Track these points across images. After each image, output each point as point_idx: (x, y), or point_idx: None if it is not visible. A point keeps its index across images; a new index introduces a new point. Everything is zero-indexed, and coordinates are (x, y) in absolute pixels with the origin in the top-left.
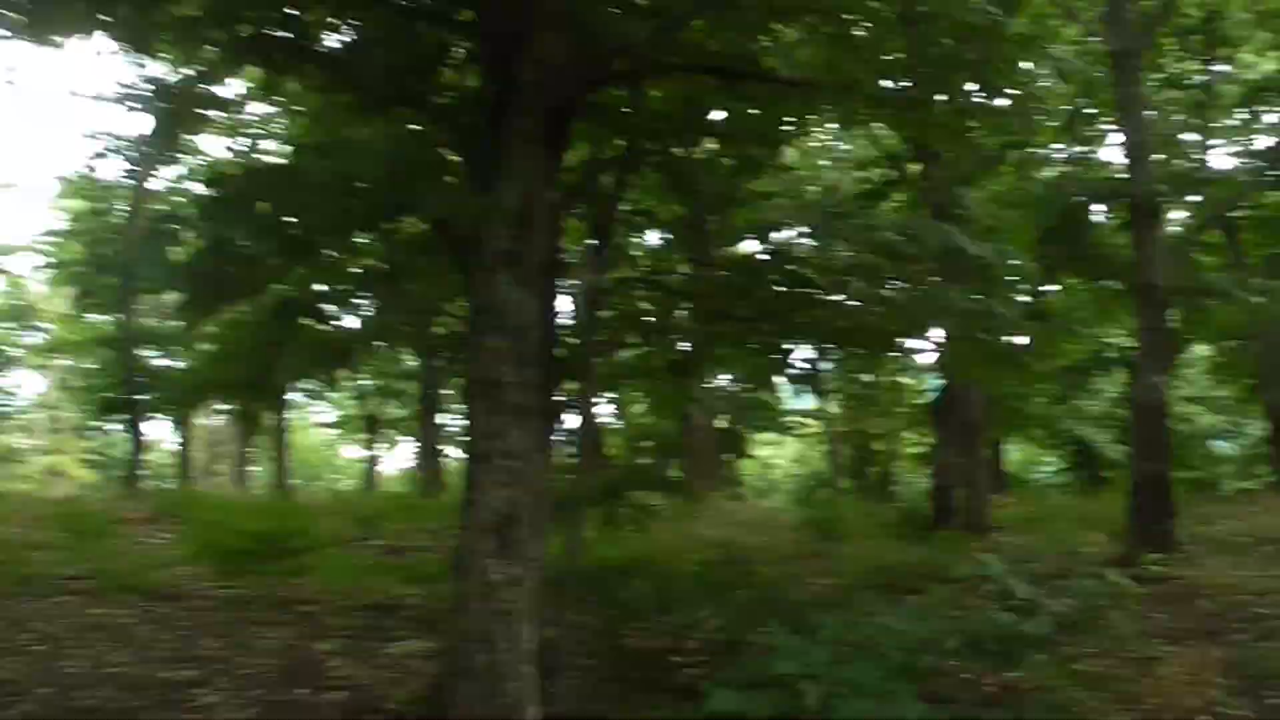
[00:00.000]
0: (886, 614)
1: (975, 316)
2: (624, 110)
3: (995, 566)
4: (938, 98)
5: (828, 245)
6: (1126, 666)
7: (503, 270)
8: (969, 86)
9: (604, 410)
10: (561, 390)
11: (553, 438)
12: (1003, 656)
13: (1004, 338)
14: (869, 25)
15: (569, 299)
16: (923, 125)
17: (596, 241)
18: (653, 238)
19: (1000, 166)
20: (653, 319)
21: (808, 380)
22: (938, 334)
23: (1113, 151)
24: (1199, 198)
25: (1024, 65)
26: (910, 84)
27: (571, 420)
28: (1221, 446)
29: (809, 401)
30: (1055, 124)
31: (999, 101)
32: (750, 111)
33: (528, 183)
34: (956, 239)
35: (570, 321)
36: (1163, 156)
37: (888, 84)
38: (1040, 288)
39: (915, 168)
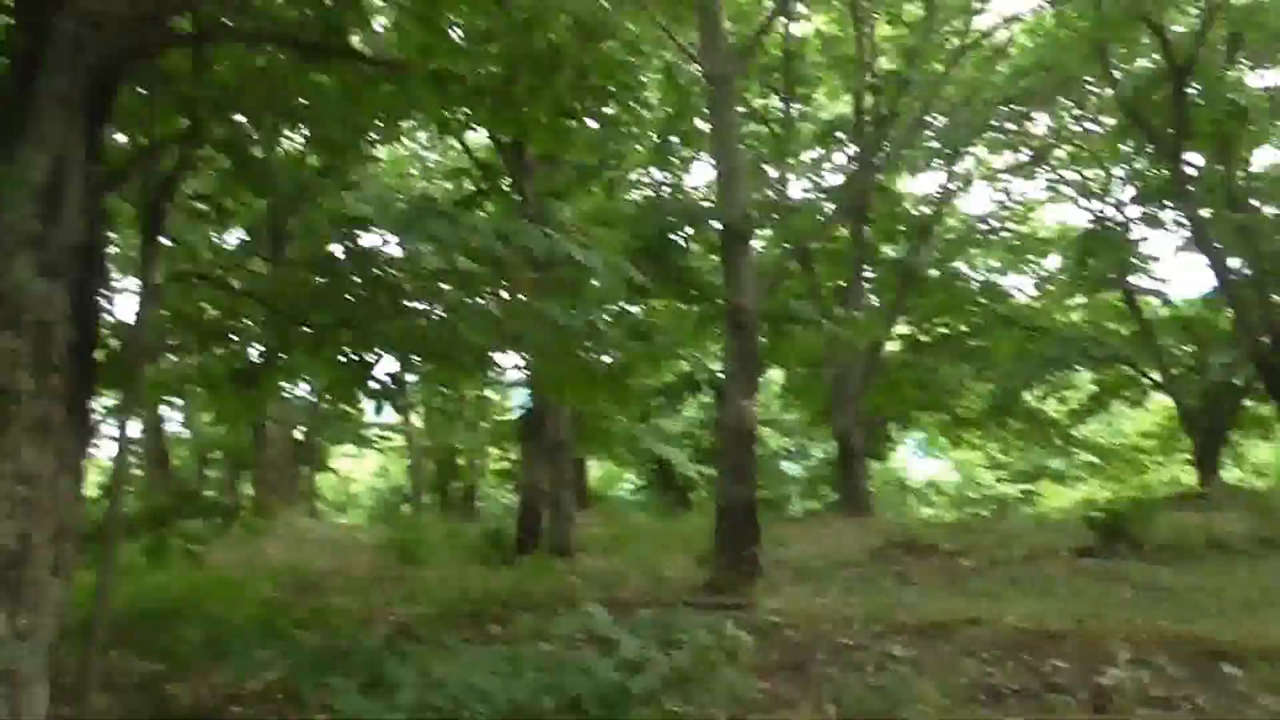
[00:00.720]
0: (474, 665)
1: (573, 331)
2: (187, 81)
3: (599, 616)
4: (538, 94)
5: (417, 249)
6: None
7: (22, 254)
8: (573, 87)
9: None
10: (98, 400)
11: (83, 458)
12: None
13: (600, 355)
14: (465, 8)
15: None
16: (522, 124)
17: (150, 231)
18: (227, 234)
19: (593, 184)
20: (216, 322)
21: (390, 393)
22: (529, 348)
23: (700, 178)
24: (782, 227)
25: (628, 73)
26: (511, 77)
27: (113, 434)
28: (789, 468)
29: (391, 414)
30: (648, 146)
31: (604, 109)
32: (335, 95)
33: (59, 153)
34: (563, 246)
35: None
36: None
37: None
38: (632, 307)
39: (507, 180)
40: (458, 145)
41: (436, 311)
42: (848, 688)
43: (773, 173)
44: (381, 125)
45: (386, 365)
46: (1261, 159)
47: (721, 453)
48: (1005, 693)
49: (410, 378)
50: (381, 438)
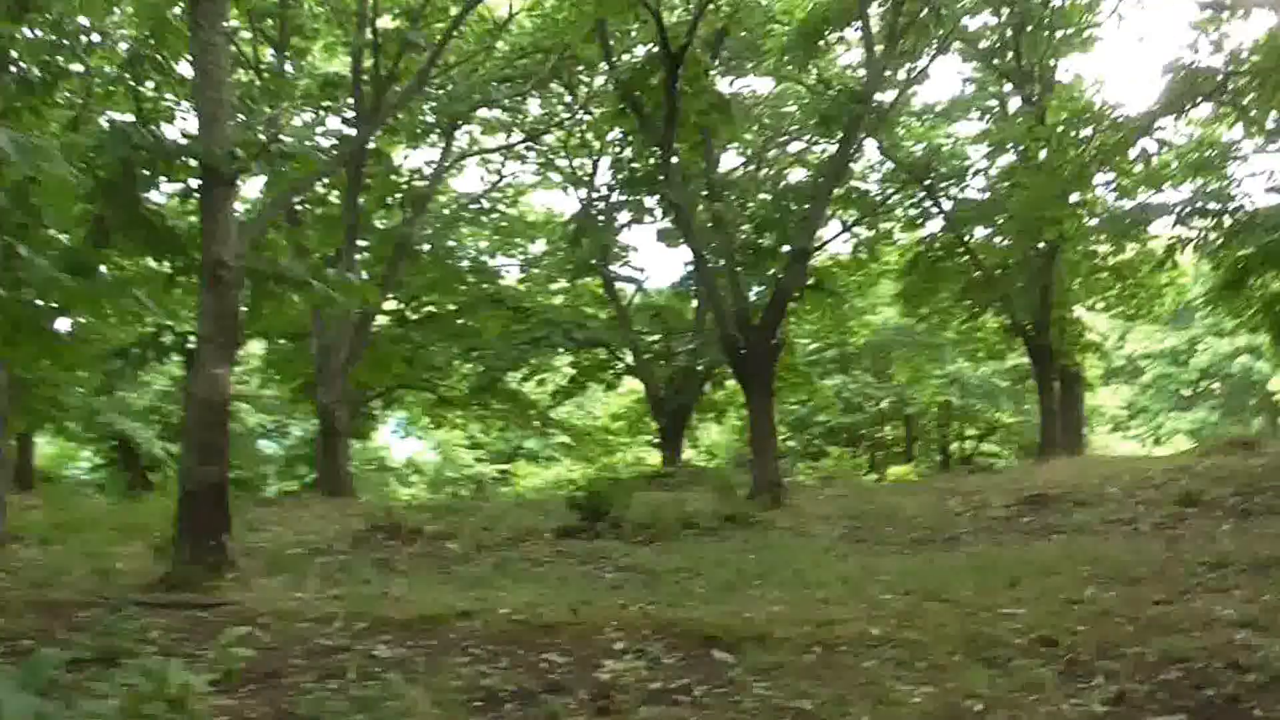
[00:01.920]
0: None
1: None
2: None
3: None
4: None
5: None
6: None
7: None
8: None
9: None
10: None
11: None
12: None
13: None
14: None
15: None
16: None
17: None
18: None
19: (49, 106)
20: None
21: None
22: None
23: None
24: (275, 171)
25: None
26: None
27: None
28: (267, 446)
29: None
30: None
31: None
32: None
33: None
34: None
35: None
36: (238, 121)
37: None
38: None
39: None
40: None
41: None
42: (325, 701)
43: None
44: None
45: None
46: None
47: (189, 427)
48: (503, 695)
49: None
50: None
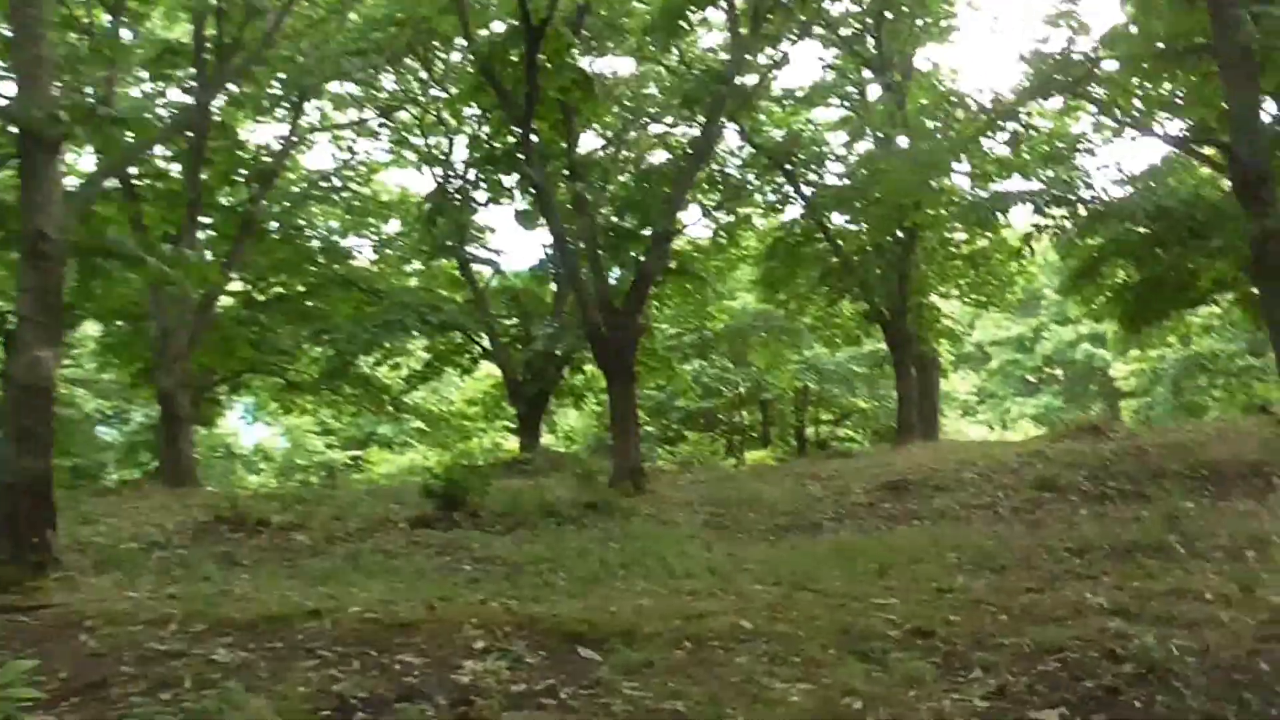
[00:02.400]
0: None
1: None
2: None
3: None
4: None
5: None
6: None
7: None
8: None
9: None
10: None
11: None
12: None
13: None
14: None
15: None
16: None
17: None
18: None
19: None
20: None
21: None
22: None
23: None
24: (106, 139)
25: None
26: None
27: None
28: (106, 433)
29: None
30: None
31: None
32: None
33: None
34: None
35: None
36: (63, 83)
37: None
38: None
39: None
40: None
41: None
42: (157, 715)
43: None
44: None
45: None
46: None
47: (9, 415)
48: (354, 702)
49: None
50: None
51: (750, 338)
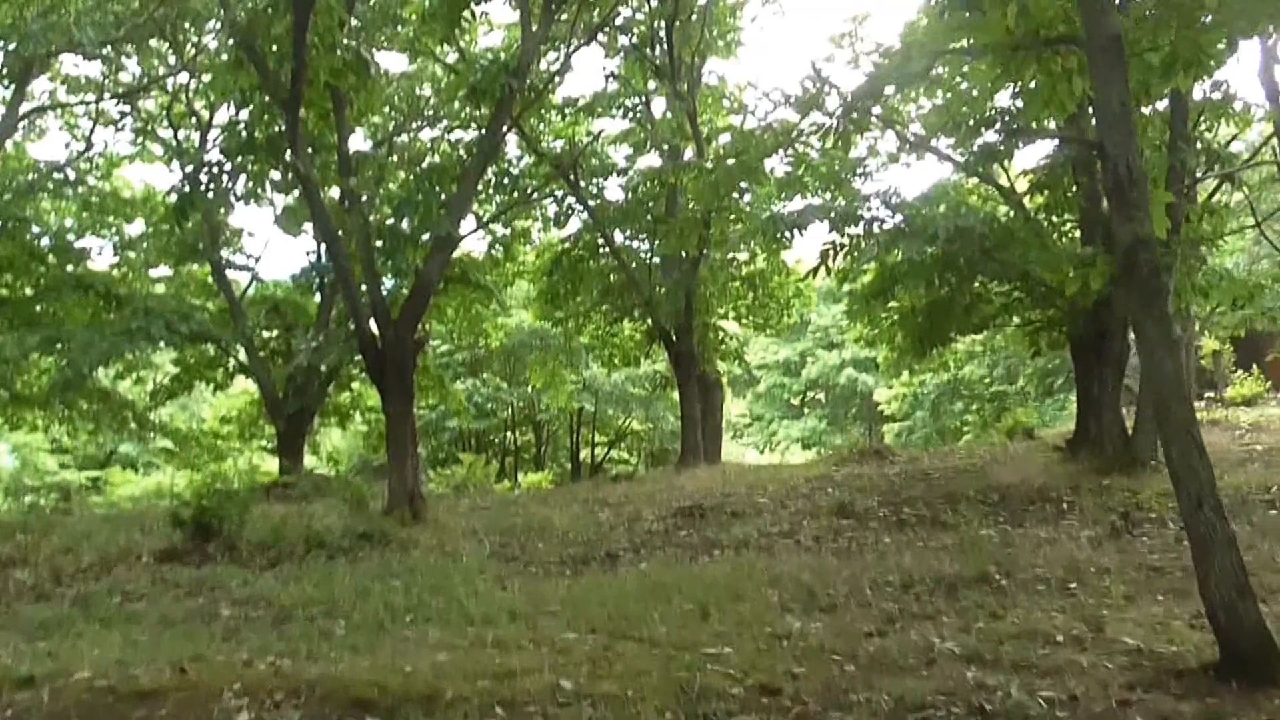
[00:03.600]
0: None
1: None
2: None
3: None
4: None
5: None
6: None
7: None
8: None
9: None
10: None
11: None
12: None
13: None
14: None
15: None
16: None
17: None
18: None
19: None
20: None
21: None
22: None
23: None
24: None
25: None
26: None
27: None
28: None
29: None
30: None
31: None
32: None
33: None
34: None
35: None
36: None
37: None
38: None
39: None
40: None
41: None
42: None
43: None
44: None
45: None
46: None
47: None
48: None
49: None
50: None
51: (527, 356)
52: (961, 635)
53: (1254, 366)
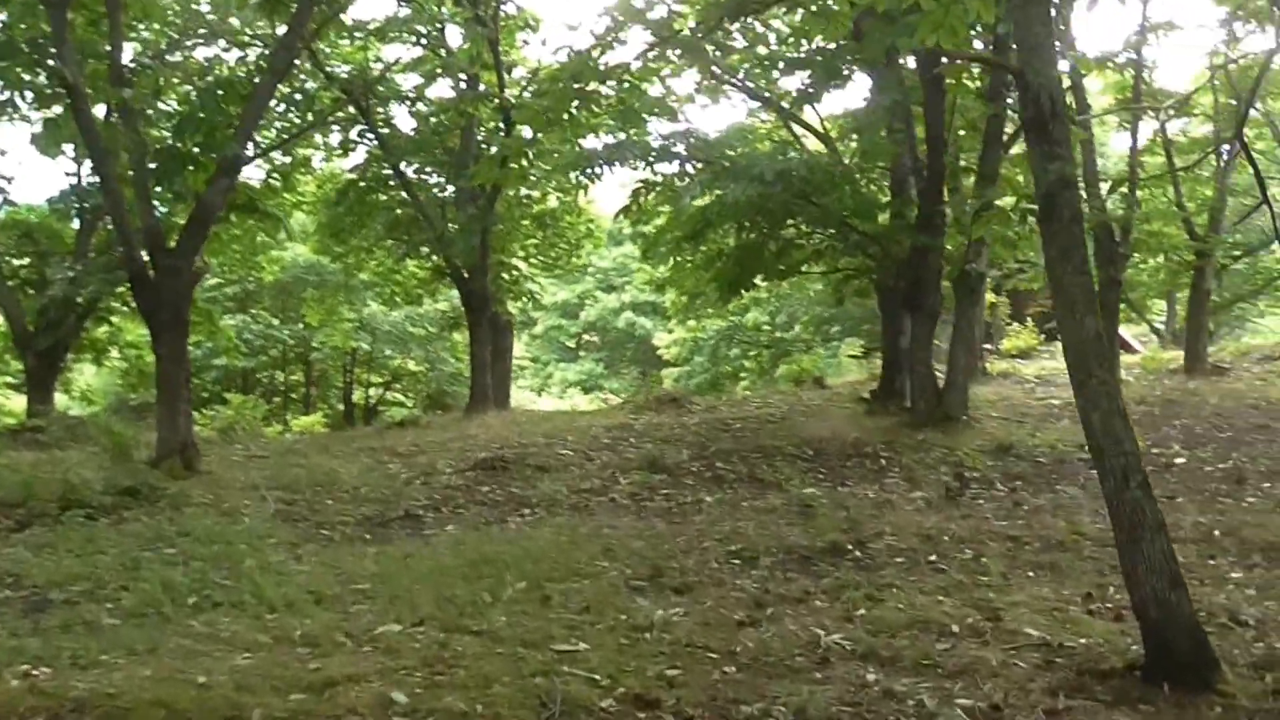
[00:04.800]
0: None
1: None
2: None
3: None
4: None
5: None
6: None
7: None
8: None
9: None
10: None
11: None
12: None
13: None
14: None
15: None
16: None
17: None
18: None
19: None
20: None
21: None
22: None
23: None
24: None
25: None
26: None
27: None
28: None
29: None
30: None
31: None
32: None
33: None
34: None
35: None
36: None
37: None
38: None
39: None
40: None
41: None
42: None
43: None
44: None
45: None
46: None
47: None
48: None
49: None
50: None
51: (302, 292)
52: (846, 625)
53: (1027, 320)
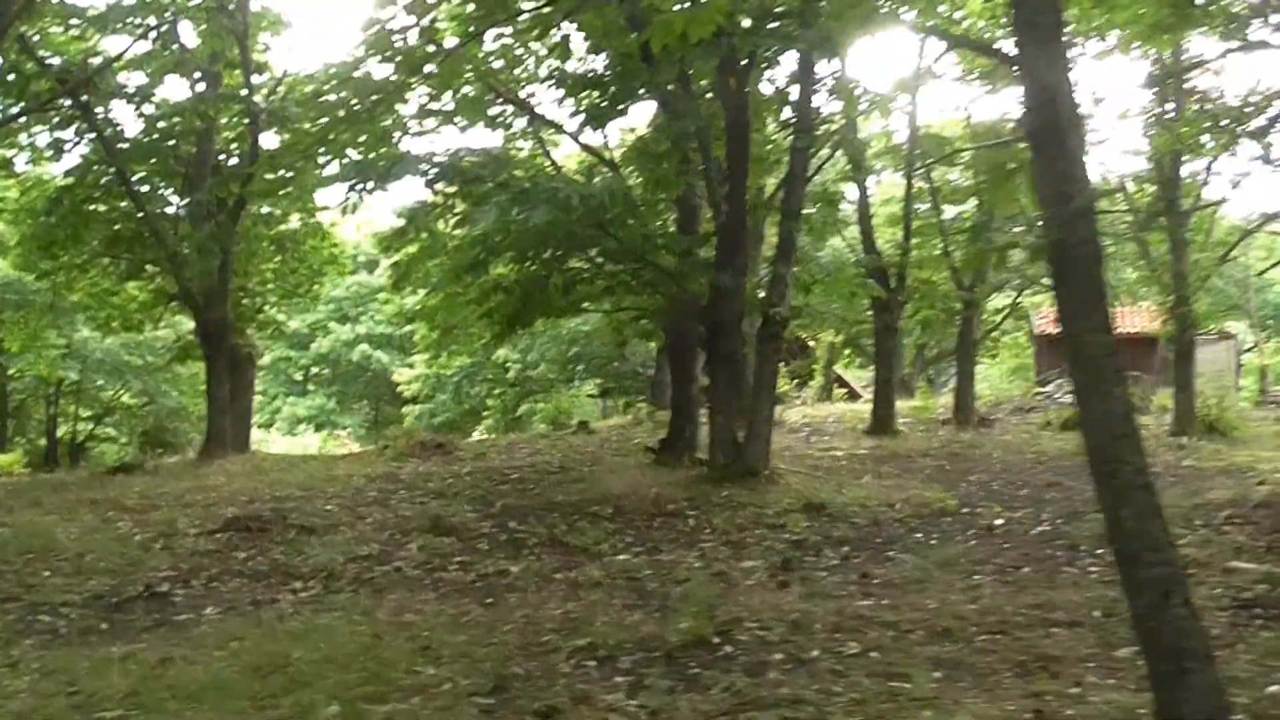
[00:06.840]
0: None
1: None
2: None
3: None
4: None
5: None
6: None
7: None
8: None
9: None
10: None
11: None
12: None
13: None
14: None
15: None
16: None
17: None
18: None
19: None
20: None
21: None
22: None
23: None
24: None
25: None
26: None
27: None
28: None
29: None
30: None
31: None
32: None
33: None
34: None
35: None
36: None
37: None
38: None
39: None
40: None
41: None
42: None
43: None
44: None
45: None
46: None
47: None
48: None
49: None
50: None
51: (1, 313)
52: None
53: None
